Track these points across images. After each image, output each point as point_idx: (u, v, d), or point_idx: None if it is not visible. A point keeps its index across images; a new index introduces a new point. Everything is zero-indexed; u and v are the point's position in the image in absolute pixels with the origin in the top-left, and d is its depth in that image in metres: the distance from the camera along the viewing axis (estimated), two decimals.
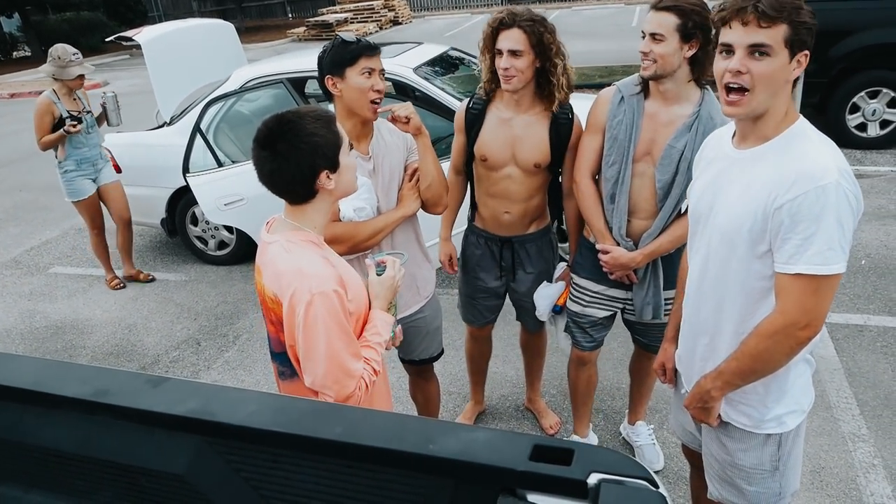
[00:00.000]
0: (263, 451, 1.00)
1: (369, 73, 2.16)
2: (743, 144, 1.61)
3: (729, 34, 1.47)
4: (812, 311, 1.50)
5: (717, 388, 1.70)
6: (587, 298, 2.61)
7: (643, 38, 2.17)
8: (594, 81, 10.30)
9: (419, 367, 2.73)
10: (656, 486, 0.81)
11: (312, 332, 1.56)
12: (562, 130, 2.50)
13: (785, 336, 1.53)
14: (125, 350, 4.28)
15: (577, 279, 2.62)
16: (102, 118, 4.87)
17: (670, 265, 2.49)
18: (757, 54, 1.44)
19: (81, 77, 4.51)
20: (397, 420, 0.96)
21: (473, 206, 2.80)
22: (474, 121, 2.54)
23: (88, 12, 24.74)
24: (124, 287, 5.12)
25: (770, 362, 1.59)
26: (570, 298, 2.65)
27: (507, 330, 3.28)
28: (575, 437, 2.98)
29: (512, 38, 2.33)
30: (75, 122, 4.46)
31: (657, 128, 2.27)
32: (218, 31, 5.92)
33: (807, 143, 1.51)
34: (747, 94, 1.47)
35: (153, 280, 5.21)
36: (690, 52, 2.15)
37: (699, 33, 2.11)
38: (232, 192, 4.32)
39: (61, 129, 4.46)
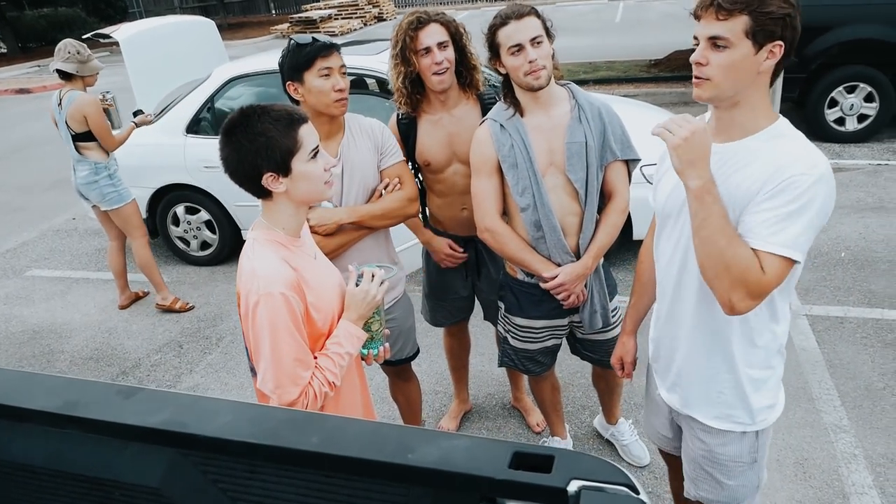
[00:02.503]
0: (240, 462, 0.98)
1: (328, 74, 2.14)
2: (722, 137, 1.60)
3: (696, 27, 1.51)
4: (761, 285, 1.48)
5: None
6: (533, 336, 2.55)
7: (516, 52, 2.12)
8: (578, 77, 10.32)
9: (397, 368, 2.72)
10: (637, 492, 0.80)
11: (258, 333, 1.56)
12: None
13: (731, 285, 1.49)
14: (105, 354, 4.22)
15: (515, 320, 2.53)
16: None
17: (608, 274, 2.52)
18: (716, 46, 1.47)
19: (97, 73, 4.24)
20: (375, 428, 0.95)
21: (424, 214, 2.79)
22: (408, 130, 2.51)
23: (66, 8, 24.39)
24: (193, 308, 4.69)
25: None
26: (514, 337, 2.58)
27: (491, 327, 3.28)
28: (556, 439, 2.98)
29: (436, 32, 2.35)
30: (141, 112, 4.28)
31: (547, 136, 2.25)
32: (198, 28, 5.86)
33: (796, 140, 1.54)
34: (707, 81, 1.51)
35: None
36: (552, 50, 2.19)
37: (551, 31, 2.19)
38: (215, 159, 4.32)
39: (131, 123, 4.24)
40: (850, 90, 6.50)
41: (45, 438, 1.04)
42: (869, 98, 6.49)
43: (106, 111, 4.36)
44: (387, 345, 1.90)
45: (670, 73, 10.30)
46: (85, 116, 4.04)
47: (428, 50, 2.34)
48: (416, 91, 2.45)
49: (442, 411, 3.41)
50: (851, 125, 6.62)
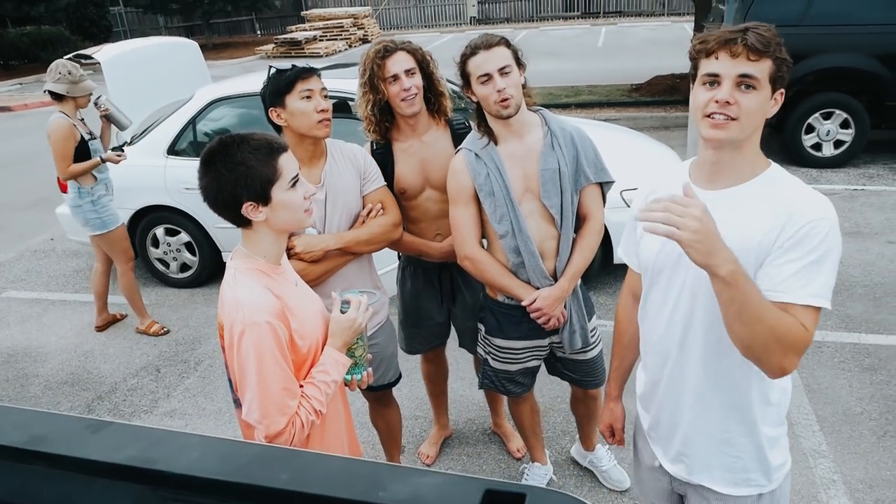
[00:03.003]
0: (209, 499, 0.96)
1: (308, 96, 2.17)
2: (718, 183, 1.52)
3: (715, 64, 1.43)
4: (810, 343, 1.44)
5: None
6: (514, 357, 2.55)
7: (485, 81, 2.16)
8: (560, 101, 10.44)
9: (377, 394, 2.70)
10: None
11: (244, 363, 1.54)
12: (464, 138, 2.53)
13: (782, 353, 1.42)
14: (80, 378, 4.15)
15: (497, 341, 2.53)
16: (106, 130, 4.37)
17: (586, 295, 2.54)
18: (744, 87, 1.42)
19: (90, 94, 4.12)
20: (346, 465, 0.93)
21: None
22: (384, 159, 2.51)
23: (50, 27, 24.29)
24: (168, 332, 4.61)
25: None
26: (495, 359, 2.58)
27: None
28: (536, 465, 2.97)
29: (403, 60, 2.39)
30: (120, 151, 4.10)
31: (522, 164, 2.29)
32: (181, 49, 5.87)
33: (796, 184, 1.49)
34: (733, 121, 1.43)
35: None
36: (523, 79, 2.24)
37: (521, 60, 2.23)
38: (196, 181, 4.28)
39: (97, 158, 4.07)
40: (827, 116, 6.65)
41: (11, 474, 1.02)
42: (845, 124, 6.64)
43: (106, 117, 4.24)
44: (370, 370, 1.90)
45: (651, 97, 10.46)
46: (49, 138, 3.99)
47: (396, 77, 2.37)
48: (384, 119, 2.48)
49: (422, 437, 3.38)
50: (828, 151, 6.75)
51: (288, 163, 1.61)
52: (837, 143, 6.72)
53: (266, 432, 1.56)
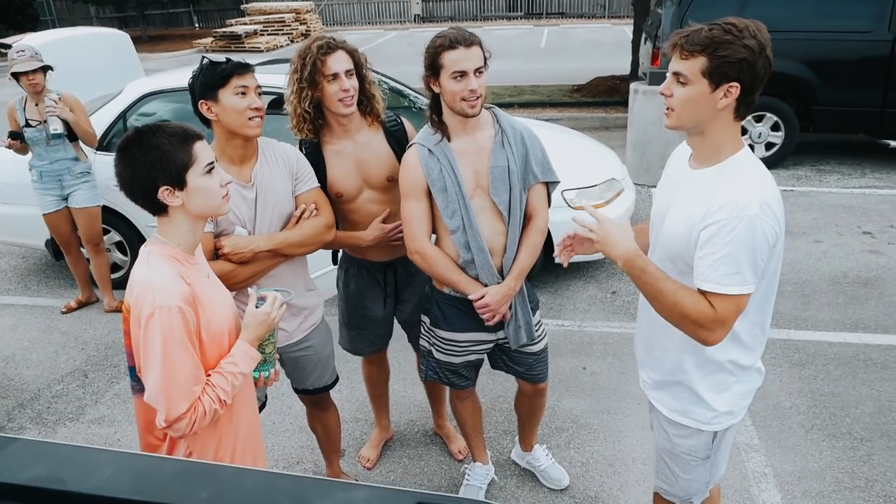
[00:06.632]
0: None
1: (244, 92, 2.12)
2: (697, 164, 1.75)
3: (670, 63, 1.68)
4: (717, 321, 1.66)
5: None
6: (458, 349, 2.55)
7: (459, 77, 2.16)
8: (503, 100, 10.51)
9: (315, 397, 2.65)
10: None
11: (150, 345, 1.55)
12: (398, 135, 2.54)
13: (694, 328, 1.69)
14: (0, 385, 3.92)
15: (441, 333, 2.52)
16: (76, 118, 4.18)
17: (530, 291, 2.56)
18: (679, 81, 1.63)
19: (27, 75, 3.92)
20: (270, 480, 0.89)
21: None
22: (315, 161, 2.45)
23: None
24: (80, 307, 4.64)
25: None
26: (439, 350, 2.57)
27: (412, 352, 3.24)
28: (478, 465, 2.95)
29: (343, 59, 2.34)
30: (10, 138, 4.06)
31: (473, 160, 2.31)
32: (111, 40, 5.64)
33: (740, 173, 1.65)
34: (671, 111, 1.67)
35: None
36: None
37: (487, 61, 2.25)
38: None
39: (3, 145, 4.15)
40: (758, 119, 6.88)
41: None
42: (775, 127, 6.89)
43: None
44: (277, 367, 1.92)
45: (592, 98, 10.64)
46: None
47: (335, 76, 2.31)
48: (317, 117, 2.42)
49: (363, 440, 3.33)
50: (759, 153, 6.98)
51: (203, 150, 1.64)
52: (769, 146, 6.97)
53: (167, 416, 1.58)
